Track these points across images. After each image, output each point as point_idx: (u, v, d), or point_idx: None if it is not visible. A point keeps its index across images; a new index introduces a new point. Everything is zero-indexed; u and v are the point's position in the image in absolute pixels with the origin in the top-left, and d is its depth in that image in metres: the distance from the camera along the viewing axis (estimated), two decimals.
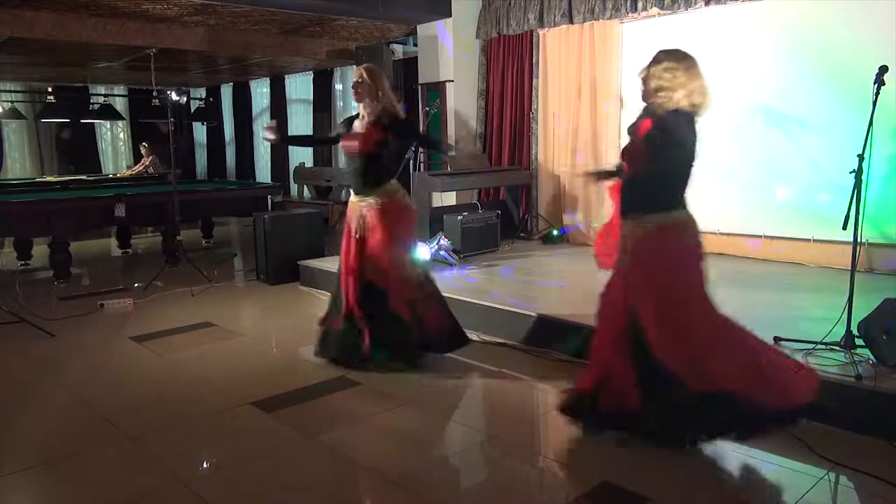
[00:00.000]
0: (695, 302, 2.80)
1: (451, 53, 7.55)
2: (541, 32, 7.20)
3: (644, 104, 2.85)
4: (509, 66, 7.51)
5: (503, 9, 7.35)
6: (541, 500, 2.52)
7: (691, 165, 2.78)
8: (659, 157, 2.68)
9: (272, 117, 12.28)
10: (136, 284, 6.20)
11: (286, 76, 11.93)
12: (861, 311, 3.26)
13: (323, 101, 11.36)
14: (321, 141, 9.77)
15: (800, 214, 5.63)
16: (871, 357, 3.15)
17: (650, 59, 2.81)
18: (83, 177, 9.66)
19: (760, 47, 5.73)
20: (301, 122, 11.91)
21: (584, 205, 6.99)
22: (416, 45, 8.08)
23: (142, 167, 10.57)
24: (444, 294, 4.09)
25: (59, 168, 12.44)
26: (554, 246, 6.87)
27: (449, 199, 7.49)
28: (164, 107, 7.34)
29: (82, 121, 11.52)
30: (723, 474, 2.71)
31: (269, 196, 8.14)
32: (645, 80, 2.80)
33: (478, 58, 7.80)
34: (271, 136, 4.04)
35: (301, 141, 10.25)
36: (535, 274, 5.60)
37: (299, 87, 11.88)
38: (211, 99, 12.32)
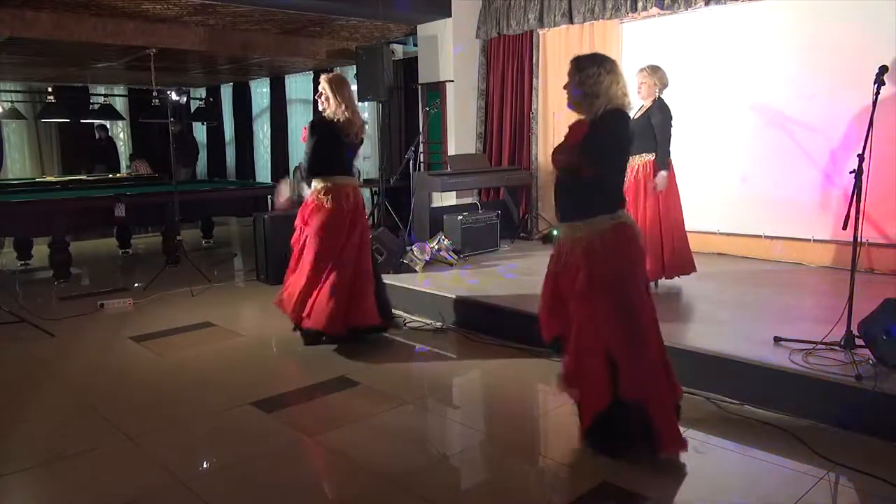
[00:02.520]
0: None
1: (451, 53, 7.55)
2: (541, 32, 7.19)
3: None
4: (509, 66, 7.50)
5: (503, 9, 7.34)
6: (541, 500, 2.52)
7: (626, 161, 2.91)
8: (606, 160, 2.65)
9: (272, 117, 12.31)
10: (136, 284, 6.20)
11: (286, 76, 11.92)
12: (861, 311, 3.26)
13: None
14: None
15: (800, 214, 5.62)
16: (871, 357, 3.15)
17: (573, 68, 2.70)
18: (83, 177, 9.66)
19: (760, 47, 5.73)
20: (301, 122, 11.90)
21: None
22: (416, 45, 8.08)
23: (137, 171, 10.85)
24: (446, 293, 4.06)
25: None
26: None
27: (449, 199, 7.49)
28: (164, 107, 7.33)
29: (82, 120, 11.52)
30: (722, 474, 2.71)
31: (269, 196, 8.12)
32: (569, 89, 2.72)
33: (478, 58, 7.79)
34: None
35: None
36: (535, 274, 5.58)
37: (299, 87, 11.86)
38: (211, 99, 12.30)
